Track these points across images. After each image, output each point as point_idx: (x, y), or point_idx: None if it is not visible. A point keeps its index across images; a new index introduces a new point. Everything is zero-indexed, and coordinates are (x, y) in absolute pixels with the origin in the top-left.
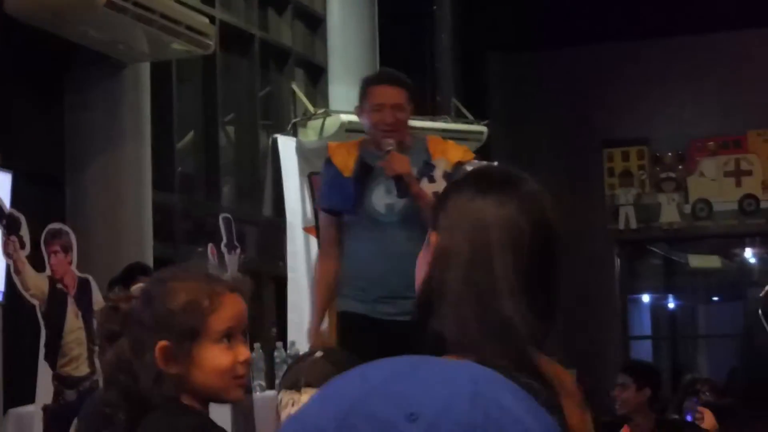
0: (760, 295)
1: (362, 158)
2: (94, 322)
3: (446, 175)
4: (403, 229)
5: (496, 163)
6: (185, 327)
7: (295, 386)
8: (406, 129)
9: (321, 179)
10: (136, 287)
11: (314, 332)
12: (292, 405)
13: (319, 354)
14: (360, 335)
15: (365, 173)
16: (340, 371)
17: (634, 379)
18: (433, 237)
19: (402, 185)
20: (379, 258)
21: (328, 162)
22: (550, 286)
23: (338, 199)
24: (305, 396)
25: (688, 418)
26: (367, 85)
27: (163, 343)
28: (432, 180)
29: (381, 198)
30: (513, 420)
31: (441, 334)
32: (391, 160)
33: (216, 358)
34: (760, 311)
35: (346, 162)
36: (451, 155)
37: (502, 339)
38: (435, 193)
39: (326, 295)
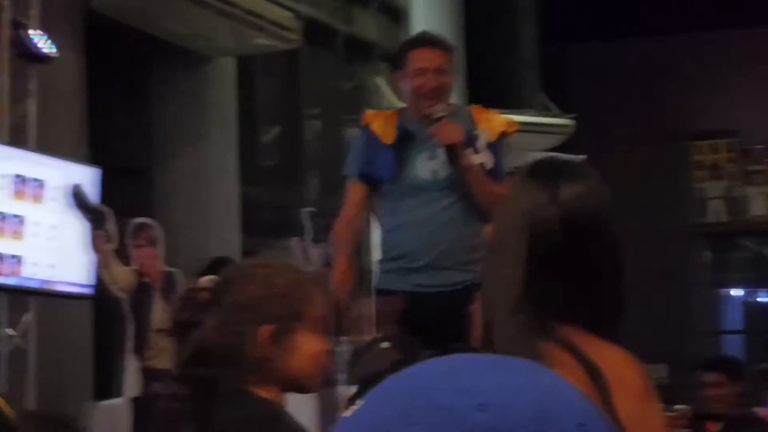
0: None
1: (403, 125)
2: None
3: (490, 146)
4: (446, 197)
5: (582, 157)
6: (290, 310)
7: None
8: (449, 95)
9: (355, 145)
10: (206, 278)
11: (340, 274)
12: None
13: (385, 344)
14: (397, 316)
15: (407, 140)
16: (409, 359)
17: (727, 375)
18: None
19: (453, 154)
20: (418, 226)
21: (366, 129)
22: (582, 272)
23: (378, 166)
24: None
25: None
26: (407, 49)
27: (268, 326)
28: (476, 150)
29: (425, 165)
30: (573, 405)
31: (485, 317)
32: (444, 128)
33: (311, 344)
34: None
35: (384, 130)
36: (496, 125)
37: (510, 318)
38: (481, 164)
39: (349, 237)
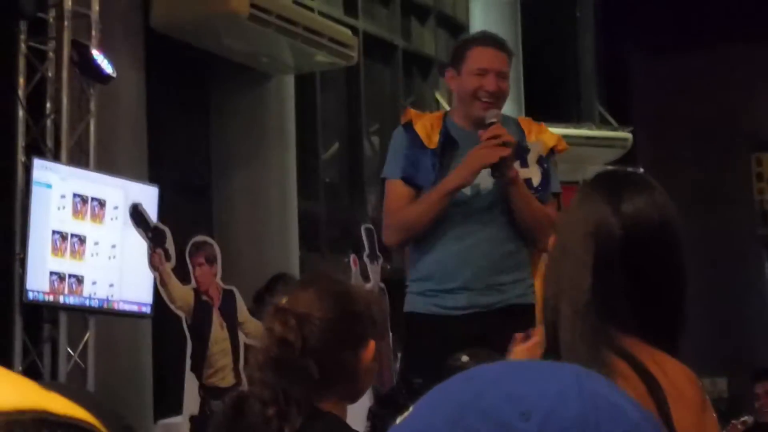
0: None
1: (448, 131)
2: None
3: (540, 160)
4: (486, 212)
5: (641, 170)
6: (381, 327)
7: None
8: (504, 103)
9: (395, 144)
10: (284, 299)
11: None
12: None
13: (465, 358)
14: (425, 341)
15: (450, 148)
16: None
17: None
18: (551, 238)
19: (502, 166)
20: (455, 243)
21: (409, 127)
22: (651, 286)
23: (419, 171)
24: None
25: None
26: (468, 46)
27: (372, 341)
28: (524, 164)
29: None
30: (620, 412)
31: (548, 323)
32: (497, 132)
33: (372, 356)
34: None
35: (428, 132)
36: (546, 140)
37: (577, 326)
38: (527, 180)
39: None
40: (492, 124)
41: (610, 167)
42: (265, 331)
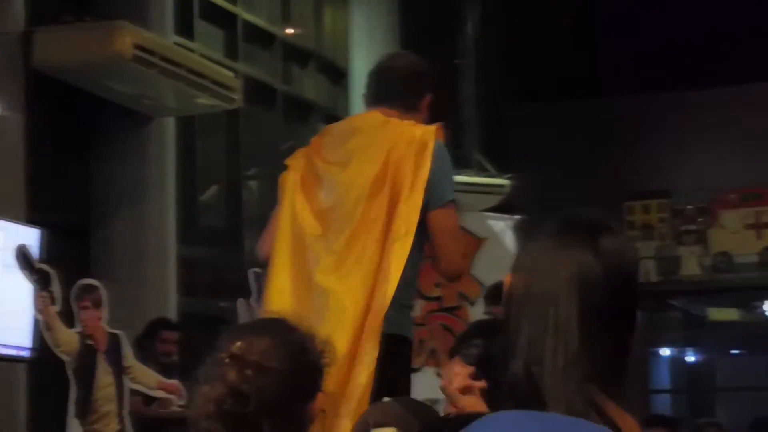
0: None
1: None
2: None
3: None
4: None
5: (518, 217)
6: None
7: (364, 429)
8: None
9: (448, 163)
10: (238, 345)
11: None
12: None
13: (386, 399)
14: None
15: None
16: (411, 414)
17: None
18: (508, 277)
19: None
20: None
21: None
22: (619, 332)
23: None
24: None
25: None
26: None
27: (320, 393)
28: None
29: None
30: None
31: (516, 374)
32: None
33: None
34: None
35: None
36: None
37: (567, 376)
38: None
39: None
40: None
41: (482, 214)
42: (217, 378)
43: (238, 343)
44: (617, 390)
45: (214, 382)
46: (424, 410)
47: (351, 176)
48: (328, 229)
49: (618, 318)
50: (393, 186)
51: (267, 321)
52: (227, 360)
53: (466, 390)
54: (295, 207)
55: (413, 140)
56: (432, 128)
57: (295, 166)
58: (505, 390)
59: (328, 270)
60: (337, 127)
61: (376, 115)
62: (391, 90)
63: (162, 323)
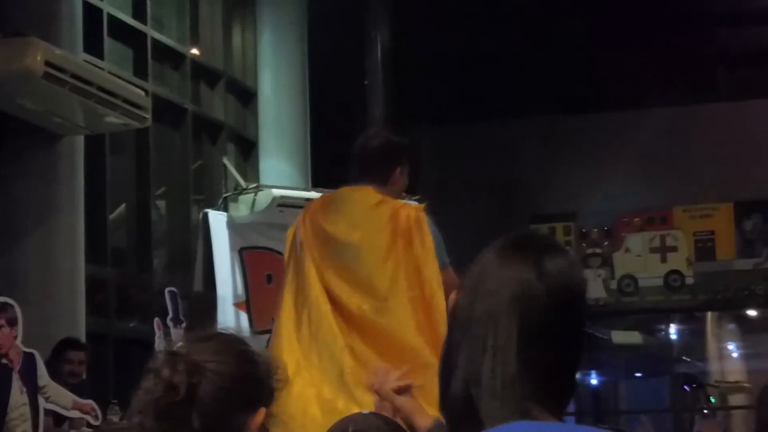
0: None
1: None
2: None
3: None
4: None
5: None
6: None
7: None
8: None
9: (438, 235)
10: (180, 345)
11: None
12: None
13: (367, 411)
14: None
15: None
16: (390, 429)
17: None
18: (453, 295)
19: None
20: None
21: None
22: (562, 352)
23: None
24: None
25: None
26: (411, 152)
27: (263, 410)
28: None
29: None
30: None
31: (455, 394)
32: None
33: (260, 426)
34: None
35: None
36: None
37: (505, 397)
38: None
39: None
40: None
41: (524, 231)
42: (151, 375)
43: (180, 344)
44: (560, 408)
45: (148, 376)
46: (401, 430)
47: (363, 242)
48: (357, 285)
49: (561, 337)
50: (404, 252)
51: (219, 331)
52: (164, 358)
53: (401, 390)
54: (306, 262)
55: (410, 217)
56: (421, 207)
57: (302, 224)
58: (444, 410)
59: (383, 314)
60: (335, 196)
61: (371, 193)
62: (367, 169)
63: (69, 343)
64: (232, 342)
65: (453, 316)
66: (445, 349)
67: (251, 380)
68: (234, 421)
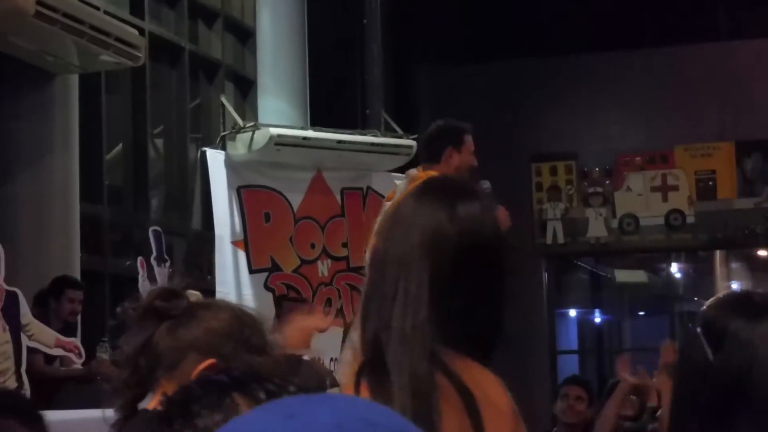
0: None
1: None
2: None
3: None
4: None
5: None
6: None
7: None
8: None
9: None
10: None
11: None
12: None
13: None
14: None
15: None
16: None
17: (588, 393)
18: (372, 240)
19: None
20: None
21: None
22: (474, 292)
23: None
24: None
25: None
26: (464, 133)
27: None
28: None
29: None
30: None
31: (367, 339)
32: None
33: None
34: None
35: None
36: None
37: (414, 341)
38: None
39: None
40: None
41: (389, 174)
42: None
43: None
44: (477, 350)
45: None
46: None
47: None
48: None
49: (472, 282)
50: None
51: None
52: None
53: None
54: None
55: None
56: (431, 173)
57: None
58: (363, 351)
59: None
60: None
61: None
62: (421, 150)
63: (67, 282)
64: (223, 304)
65: (370, 261)
66: (363, 296)
67: (220, 333)
68: (183, 361)
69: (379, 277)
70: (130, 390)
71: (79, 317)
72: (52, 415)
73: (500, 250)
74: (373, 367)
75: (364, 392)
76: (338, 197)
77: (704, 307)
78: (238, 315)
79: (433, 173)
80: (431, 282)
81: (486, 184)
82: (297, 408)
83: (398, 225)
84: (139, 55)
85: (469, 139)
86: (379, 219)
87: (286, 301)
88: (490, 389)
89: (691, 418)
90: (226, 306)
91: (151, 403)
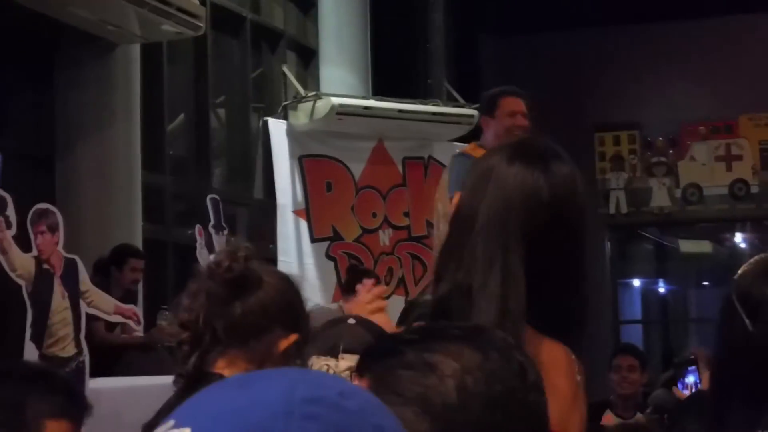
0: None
1: None
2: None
3: None
4: None
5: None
6: (305, 334)
7: (332, 352)
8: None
9: (459, 168)
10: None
11: None
12: (328, 370)
13: (352, 321)
14: None
15: None
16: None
17: (641, 362)
18: (456, 196)
19: None
20: None
21: (470, 157)
22: (562, 257)
23: None
24: (343, 363)
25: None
26: (499, 96)
27: (294, 335)
28: None
29: None
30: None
31: (445, 293)
32: None
33: (284, 352)
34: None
35: None
36: None
37: (491, 301)
38: None
39: None
40: None
41: (523, 137)
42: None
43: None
44: (552, 323)
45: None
46: (384, 333)
47: None
48: None
49: (557, 244)
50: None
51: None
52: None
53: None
54: None
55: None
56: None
57: None
58: (432, 308)
59: None
60: None
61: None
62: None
63: (130, 251)
64: (287, 276)
65: (455, 215)
66: (443, 248)
67: (296, 308)
68: (265, 333)
69: (464, 232)
70: (195, 354)
71: (140, 286)
72: (113, 382)
73: (586, 212)
74: (454, 319)
75: None
76: (400, 167)
77: (738, 275)
78: (296, 287)
79: (475, 146)
80: (521, 238)
81: None
82: (253, 379)
83: (492, 183)
84: (201, 24)
85: (505, 101)
86: (440, 187)
87: (354, 273)
88: (552, 369)
89: (733, 392)
90: (286, 276)
91: (217, 368)
